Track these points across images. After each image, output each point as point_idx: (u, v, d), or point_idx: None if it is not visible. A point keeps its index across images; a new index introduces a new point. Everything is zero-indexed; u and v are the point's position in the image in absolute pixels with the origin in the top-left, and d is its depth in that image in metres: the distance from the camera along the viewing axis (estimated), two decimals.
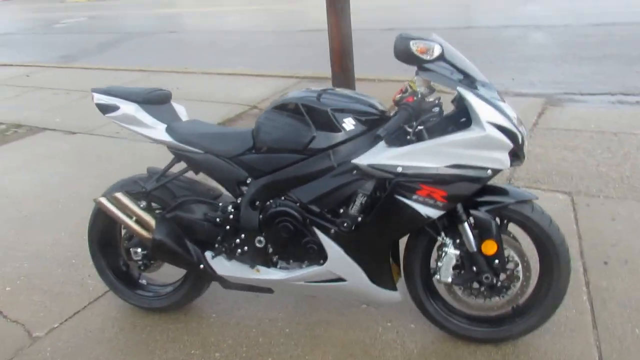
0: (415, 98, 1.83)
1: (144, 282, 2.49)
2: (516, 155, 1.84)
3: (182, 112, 2.38)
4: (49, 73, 8.10)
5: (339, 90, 2.06)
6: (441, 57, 1.77)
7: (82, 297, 2.58)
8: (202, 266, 2.18)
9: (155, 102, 2.23)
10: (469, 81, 1.81)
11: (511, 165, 1.84)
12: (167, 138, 2.13)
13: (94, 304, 2.54)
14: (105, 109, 2.18)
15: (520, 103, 4.97)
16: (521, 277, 2.00)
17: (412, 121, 1.81)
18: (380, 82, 6.24)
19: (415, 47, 1.72)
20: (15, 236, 3.23)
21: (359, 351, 2.14)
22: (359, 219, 1.89)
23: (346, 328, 2.27)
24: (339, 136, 1.91)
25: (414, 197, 1.82)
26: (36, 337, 2.36)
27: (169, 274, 2.45)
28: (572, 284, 2.25)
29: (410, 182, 1.81)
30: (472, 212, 1.91)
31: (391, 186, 1.83)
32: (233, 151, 2.09)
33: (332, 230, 1.94)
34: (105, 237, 2.41)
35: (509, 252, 1.99)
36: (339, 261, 1.98)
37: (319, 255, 2.01)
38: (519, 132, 1.81)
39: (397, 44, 1.75)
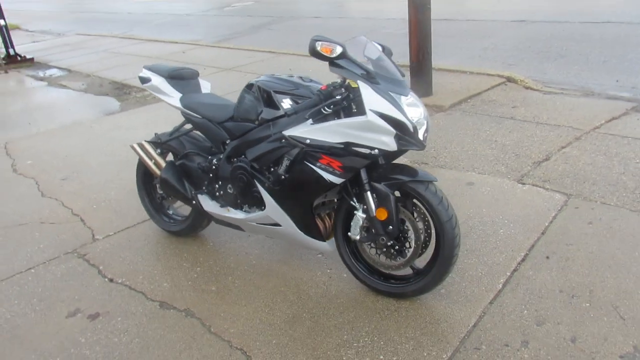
0: (327, 86, 2.31)
1: (170, 212, 3.34)
2: (407, 140, 2.22)
3: (206, 86, 3.14)
4: (200, 51, 9.60)
5: (290, 77, 2.59)
6: (342, 56, 2.22)
7: (134, 219, 3.53)
8: (194, 202, 2.94)
9: (179, 77, 3.01)
10: (370, 76, 2.24)
11: (401, 148, 2.23)
12: (177, 104, 2.91)
13: (139, 225, 3.46)
14: (143, 80, 3.03)
15: (600, 106, 4.84)
16: (413, 243, 2.38)
17: (321, 104, 2.28)
18: (453, 72, 6.39)
19: (319, 46, 2.21)
20: (115, 173, 4.35)
21: (292, 284, 2.72)
22: (283, 177, 2.46)
23: (295, 268, 2.85)
24: (278, 112, 2.47)
25: (317, 164, 2.33)
26: (96, 239, 3.36)
27: (187, 209, 3.25)
28: (500, 268, 2.56)
29: (314, 152, 2.32)
30: (373, 183, 2.35)
31: (302, 153, 2.36)
32: (220, 118, 2.79)
33: (266, 184, 2.54)
34: (145, 176, 3.30)
35: (407, 223, 2.38)
36: (273, 209, 2.57)
37: (262, 203, 2.62)
38: (408, 121, 2.20)
39: (309, 44, 2.25)
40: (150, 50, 10.17)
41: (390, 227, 2.36)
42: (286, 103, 2.47)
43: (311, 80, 2.61)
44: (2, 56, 10.07)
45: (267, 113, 2.51)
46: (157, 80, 2.98)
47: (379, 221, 2.35)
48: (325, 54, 2.21)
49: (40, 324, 2.60)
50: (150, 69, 3.07)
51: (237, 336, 2.39)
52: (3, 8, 9.87)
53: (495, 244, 2.89)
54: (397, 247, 2.42)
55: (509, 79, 5.94)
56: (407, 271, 2.51)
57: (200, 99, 2.91)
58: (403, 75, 2.41)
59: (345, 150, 2.26)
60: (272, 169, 2.51)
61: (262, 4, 16.91)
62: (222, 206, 2.85)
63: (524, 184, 3.54)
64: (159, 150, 3.07)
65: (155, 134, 3.15)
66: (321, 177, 2.35)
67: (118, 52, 10.27)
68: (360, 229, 2.43)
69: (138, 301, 2.70)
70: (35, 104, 7.22)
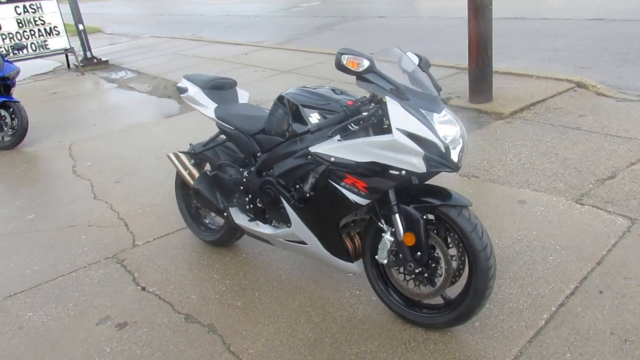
0: (354, 102, 2.19)
1: (207, 221, 3.33)
2: (438, 162, 2.05)
3: (243, 96, 3.10)
4: (262, 53, 9.70)
5: (321, 89, 2.47)
6: (370, 70, 2.09)
7: (174, 225, 3.56)
8: (225, 214, 2.90)
9: (215, 87, 2.99)
10: (399, 92, 2.09)
11: (431, 170, 2.06)
12: (211, 115, 2.88)
13: (178, 232, 3.49)
14: (180, 90, 3.03)
15: None
16: (443, 272, 2.20)
17: (346, 121, 2.16)
18: (517, 76, 6.00)
19: (345, 60, 2.08)
20: (163, 177, 4.43)
21: (318, 305, 2.61)
22: (308, 194, 2.35)
23: (324, 286, 2.75)
24: (305, 127, 2.38)
25: (342, 183, 2.21)
26: (136, 245, 3.42)
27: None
28: (545, 301, 2.34)
29: (339, 170, 2.21)
30: (402, 205, 2.19)
31: (326, 171, 2.25)
32: (252, 130, 2.73)
33: (291, 201, 2.45)
34: (183, 185, 3.31)
35: (437, 249, 2.21)
36: (298, 226, 2.48)
37: (288, 219, 2.53)
38: (439, 141, 2.03)
39: (335, 57, 2.13)
40: (215, 52, 10.40)
41: (419, 253, 2.20)
42: (314, 118, 2.36)
43: (342, 93, 2.48)
44: (80, 59, 10.67)
45: (295, 127, 2.41)
46: (193, 91, 2.97)
47: (406, 246, 2.20)
48: (351, 68, 2.09)
49: (72, 329, 2.66)
50: (188, 78, 3.07)
51: (256, 357, 2.32)
52: (89, 12, 10.47)
53: (542, 273, 2.64)
54: (426, 274, 2.25)
55: (579, 84, 5.50)
56: (438, 300, 2.34)
57: (234, 110, 2.87)
58: (440, 90, 2.24)
59: (371, 171, 2.13)
60: (298, 186, 2.41)
61: (329, 4, 16.90)
62: (251, 220, 2.79)
63: (582, 204, 3.23)
64: (192, 161, 3.07)
65: (190, 144, 3.15)
66: (346, 197, 2.22)
67: (185, 54, 10.59)
68: (388, 253, 2.28)
69: (165, 312, 2.70)
70: (103, 106, 7.57)
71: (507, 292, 2.53)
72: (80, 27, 10.34)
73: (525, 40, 8.02)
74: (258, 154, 2.70)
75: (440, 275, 2.22)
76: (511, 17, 9.70)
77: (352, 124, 2.17)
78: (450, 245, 2.23)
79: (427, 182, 2.31)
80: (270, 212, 2.66)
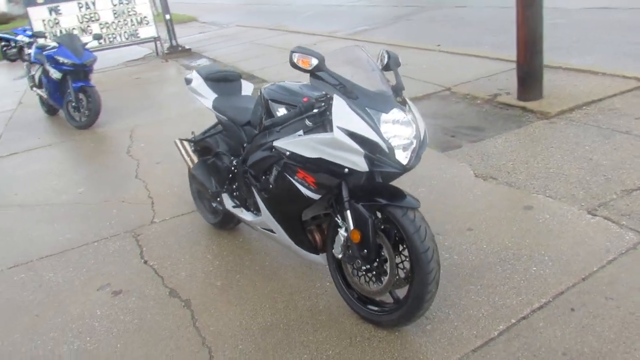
0: (309, 99, 2.24)
1: (214, 205, 3.54)
2: (382, 161, 2.06)
3: (247, 88, 3.24)
4: (332, 43, 9.78)
5: (290, 83, 2.53)
6: (319, 68, 2.12)
7: (190, 207, 3.79)
8: (219, 199, 3.08)
9: (217, 79, 3.15)
10: (346, 90, 2.11)
11: (374, 169, 2.07)
12: (209, 105, 3.06)
13: (191, 213, 3.72)
14: (187, 81, 3.25)
15: None
16: (389, 272, 2.21)
17: (296, 117, 2.21)
18: (581, 73, 5.56)
19: (296, 58, 2.14)
20: None
21: (287, 292, 2.72)
22: (271, 186, 2.45)
23: (299, 275, 2.85)
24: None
25: (295, 177, 2.28)
26: (154, 222, 3.72)
27: None
28: (506, 312, 2.32)
29: (292, 164, 2.28)
30: (352, 202, 2.22)
31: (282, 165, 2.33)
32: (241, 121, 2.87)
33: (259, 191, 2.56)
34: None
35: (384, 249, 2.22)
36: (266, 216, 2.59)
37: (259, 208, 2.65)
38: (382, 141, 2.04)
39: (289, 56, 2.19)
40: (288, 41, 10.66)
41: (366, 250, 2.22)
42: (281, 112, 2.44)
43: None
44: (167, 46, 11.44)
45: (264, 121, 2.51)
46: (197, 82, 3.16)
47: (353, 243, 2.23)
48: (302, 66, 2.14)
49: (77, 292, 2.99)
50: (198, 71, 3.26)
51: (213, 335, 2.48)
52: (191, 2, 11.19)
53: (517, 284, 2.53)
54: (373, 272, 2.26)
55: None
56: (390, 298, 2.34)
57: (230, 102, 3.02)
58: (401, 90, 2.24)
59: (318, 166, 2.18)
60: (264, 177, 2.52)
61: None
62: (236, 206, 2.95)
63: (594, 215, 3.01)
64: (192, 148, 3.27)
65: (192, 132, 3.35)
66: (299, 190, 2.29)
67: (260, 43, 10.97)
68: (342, 248, 2.32)
69: (155, 285, 2.94)
70: (172, 92, 8.11)
71: (473, 298, 2.46)
72: (167, 17, 11.07)
73: (602, 33, 7.38)
74: (245, 144, 2.84)
75: (386, 275, 2.23)
76: (600, 7, 8.94)
77: (308, 120, 2.22)
78: (402, 247, 2.23)
79: (392, 182, 2.32)
80: (248, 200, 2.79)
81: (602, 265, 2.57)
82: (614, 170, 3.51)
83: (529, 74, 4.94)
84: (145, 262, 3.20)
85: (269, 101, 2.47)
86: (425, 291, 2.10)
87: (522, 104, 5.00)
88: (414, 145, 2.13)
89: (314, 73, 2.17)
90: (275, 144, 2.36)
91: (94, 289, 3.00)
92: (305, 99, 2.25)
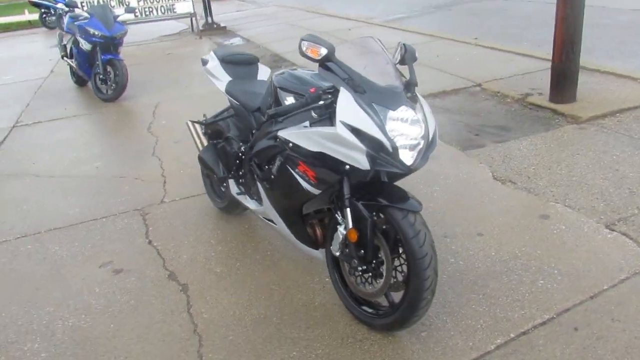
0: (316, 90, 2.16)
1: (222, 189, 3.51)
2: (385, 160, 1.97)
3: (263, 73, 3.18)
4: (365, 29, 9.61)
5: (303, 72, 2.45)
6: (328, 59, 2.04)
7: (201, 189, 3.75)
8: (225, 184, 3.05)
9: (234, 62, 3.09)
10: (354, 83, 2.02)
11: (377, 168, 1.99)
12: (222, 88, 3.00)
13: (201, 196, 3.70)
14: (203, 62, 3.20)
15: None
16: (384, 275, 2.13)
17: (302, 108, 2.13)
18: (619, 78, 5.30)
19: (305, 47, 2.06)
20: None
21: (285, 285, 2.67)
22: (272, 176, 2.39)
23: (299, 267, 2.80)
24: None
25: (296, 170, 2.22)
26: (164, 201, 3.72)
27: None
28: (506, 326, 2.25)
29: (294, 157, 2.21)
30: (353, 201, 2.15)
31: (285, 156, 2.26)
32: (252, 107, 2.81)
33: (261, 181, 2.50)
34: None
35: (381, 251, 2.15)
36: (267, 206, 2.54)
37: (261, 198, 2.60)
38: (386, 139, 1.95)
39: (299, 44, 2.11)
40: (322, 24, 10.53)
41: (363, 251, 2.15)
42: (289, 101, 2.37)
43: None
44: (202, 23, 11.44)
45: (269, 110, 2.44)
46: (212, 64, 3.11)
47: (350, 242, 2.16)
48: (311, 56, 2.06)
49: (79, 267, 3.02)
50: (215, 52, 3.21)
51: (205, 323, 2.46)
52: None
53: (521, 296, 2.42)
54: (370, 273, 2.19)
55: None
56: (385, 301, 2.27)
57: (243, 86, 2.96)
58: (414, 86, 2.13)
59: (319, 161, 2.11)
60: (267, 167, 2.46)
61: None
62: (240, 193, 2.91)
63: (612, 230, 2.86)
64: (203, 130, 3.23)
65: (204, 115, 3.31)
66: (300, 184, 2.23)
67: (295, 25, 10.86)
68: (341, 246, 2.26)
69: (156, 266, 2.94)
70: (201, 69, 8.09)
71: (473, 308, 2.37)
72: None
73: None
74: (254, 131, 2.78)
75: (382, 277, 2.16)
76: None
77: (314, 112, 2.14)
78: (401, 250, 2.14)
79: (395, 182, 2.23)
80: (252, 188, 2.75)
81: (614, 284, 2.44)
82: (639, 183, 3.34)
83: (563, 75, 4.73)
84: (150, 242, 3.20)
85: (278, 89, 2.41)
86: (420, 298, 2.02)
87: (553, 106, 4.80)
88: (420, 146, 2.03)
89: (323, 63, 2.08)
90: (279, 133, 2.29)
91: (96, 265, 3.02)
92: (312, 90, 2.17)
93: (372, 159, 1.96)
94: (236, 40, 10.14)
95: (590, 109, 4.62)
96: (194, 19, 11.27)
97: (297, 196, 2.32)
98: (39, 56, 10.20)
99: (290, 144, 2.21)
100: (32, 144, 5.18)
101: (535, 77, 5.65)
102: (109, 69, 6.42)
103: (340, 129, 1.97)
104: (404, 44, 2.26)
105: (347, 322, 2.37)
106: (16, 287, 2.88)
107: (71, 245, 3.26)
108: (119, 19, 6.59)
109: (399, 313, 2.12)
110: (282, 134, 2.26)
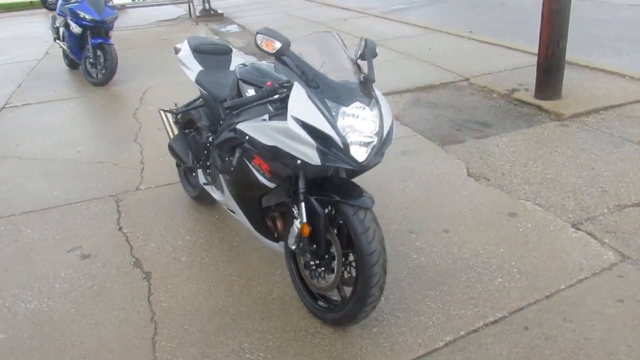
0: (272, 84, 2.15)
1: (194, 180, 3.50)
2: (336, 156, 1.97)
3: (236, 62, 3.16)
4: (361, 20, 9.56)
5: (266, 64, 2.44)
6: (282, 53, 2.03)
7: (177, 178, 3.76)
8: (194, 174, 3.05)
9: (205, 52, 3.08)
10: (307, 78, 2.01)
11: (327, 164, 1.98)
12: (192, 77, 3.00)
13: (176, 184, 3.70)
14: (176, 50, 3.19)
15: None
16: (335, 270, 2.14)
17: (256, 102, 2.13)
18: (607, 75, 5.27)
19: (259, 40, 2.05)
20: None
21: (246, 276, 2.69)
22: (232, 168, 2.40)
23: (263, 260, 2.81)
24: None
25: (252, 163, 2.22)
26: (139, 189, 3.73)
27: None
28: (458, 324, 2.26)
29: (251, 150, 2.21)
30: (307, 195, 2.15)
31: (242, 149, 2.27)
32: (220, 98, 2.81)
33: (221, 172, 2.51)
34: None
35: (332, 246, 2.15)
36: (228, 197, 2.55)
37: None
38: (336, 135, 1.95)
39: (255, 36, 2.10)
40: (319, 14, 10.47)
41: (315, 246, 2.16)
42: (250, 93, 2.36)
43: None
44: (200, 9, 11.38)
45: (226, 102, 2.44)
46: (184, 53, 3.10)
47: (303, 236, 2.17)
48: (266, 49, 2.05)
49: (48, 251, 3.04)
50: (188, 40, 3.20)
51: (163, 311, 2.48)
52: None
53: (477, 294, 2.43)
54: (322, 268, 2.20)
55: None
56: (338, 296, 2.28)
57: (214, 76, 2.95)
58: (371, 82, 2.12)
59: (273, 154, 2.11)
60: (227, 158, 2.46)
61: None
62: (207, 183, 2.92)
63: (578, 229, 2.86)
64: (173, 119, 3.23)
65: (175, 104, 3.31)
66: (255, 177, 2.24)
67: (292, 14, 10.80)
68: (296, 239, 2.26)
69: (122, 253, 2.96)
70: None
71: (428, 305, 2.38)
72: None
73: None
74: (221, 122, 2.78)
75: (333, 272, 2.17)
76: None
77: (270, 106, 2.14)
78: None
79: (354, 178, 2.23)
80: (217, 179, 2.75)
81: (571, 284, 2.45)
82: (613, 182, 3.33)
83: (549, 71, 4.70)
84: (120, 228, 3.22)
85: (240, 81, 2.40)
86: (368, 294, 2.03)
87: (537, 102, 4.78)
88: (374, 143, 2.03)
89: (279, 57, 2.08)
90: (238, 126, 2.29)
91: (65, 250, 3.04)
92: (269, 83, 2.16)
93: (322, 154, 1.96)
94: (232, 28, 10.10)
95: (575, 106, 4.60)
96: (191, 4, 11.21)
97: (254, 189, 2.32)
98: (35, 37, 10.16)
99: (247, 137, 2.21)
100: (18, 126, 5.20)
101: (524, 73, 5.62)
102: (99, 53, 6.41)
103: (291, 124, 1.97)
104: (365, 40, 2.24)
105: (302, 316, 2.38)
106: None
107: (43, 228, 3.28)
108: (113, 2, 6.55)
109: (348, 308, 2.13)
110: (241, 126, 2.26)
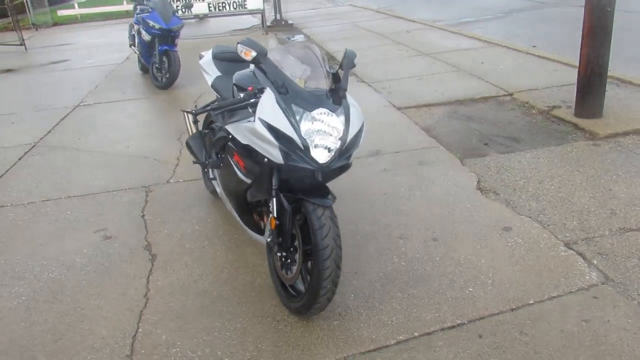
0: (253, 88, 2.37)
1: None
2: (298, 156, 2.15)
3: None
4: (424, 33, 9.58)
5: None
6: (257, 61, 2.24)
7: (200, 175, 4.09)
8: (206, 170, 3.34)
9: (224, 59, 3.37)
10: (278, 84, 2.21)
11: (290, 163, 2.17)
12: (209, 82, 3.29)
13: (199, 180, 4.03)
14: (200, 57, 3.50)
15: None
16: (297, 262, 2.32)
17: (236, 105, 2.35)
18: (636, 87, 4.98)
19: (239, 49, 2.28)
20: None
21: (236, 265, 2.92)
22: (221, 164, 2.64)
23: (257, 252, 3.02)
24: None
25: (233, 160, 2.45)
26: (169, 182, 4.10)
27: None
28: (415, 326, 2.34)
29: (232, 148, 2.45)
30: (277, 191, 2.35)
31: (228, 146, 2.50)
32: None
33: (215, 168, 2.76)
34: None
35: (295, 241, 2.33)
36: (221, 190, 2.80)
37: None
38: (298, 137, 2.13)
39: (236, 46, 2.33)
40: (384, 25, 10.61)
41: (280, 239, 2.34)
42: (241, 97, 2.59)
43: None
44: (271, 19, 11.91)
45: (213, 104, 2.69)
46: (205, 60, 3.41)
47: (271, 229, 2.36)
48: (245, 57, 2.28)
49: (79, 231, 3.45)
50: (214, 48, 3.50)
51: (157, 289, 2.76)
52: None
53: (444, 300, 2.49)
54: (289, 260, 2.38)
55: None
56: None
57: (227, 82, 3.20)
58: (342, 90, 2.27)
59: (247, 152, 2.33)
60: (219, 155, 2.71)
61: None
62: (214, 179, 3.19)
63: (570, 248, 2.82)
64: (192, 119, 3.53)
65: (195, 105, 3.61)
66: (236, 173, 2.46)
67: (358, 26, 11.02)
68: (269, 232, 2.46)
69: (138, 237, 3.30)
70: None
71: (393, 305, 2.48)
72: None
73: None
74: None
75: (296, 264, 2.34)
76: None
77: (250, 108, 2.36)
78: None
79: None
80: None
81: (541, 300, 2.44)
82: (626, 205, 3.21)
83: (588, 89, 4.56)
84: (143, 215, 3.58)
85: (234, 85, 2.64)
86: (320, 286, 2.18)
87: (575, 120, 4.64)
88: (337, 146, 2.18)
89: (258, 65, 2.30)
90: (226, 126, 2.54)
91: (92, 230, 3.43)
92: (250, 88, 2.39)
93: (285, 154, 2.15)
94: (298, 37, 10.48)
95: (613, 125, 4.43)
96: (263, 14, 11.76)
97: (236, 184, 2.55)
98: (122, 44, 11.11)
99: (230, 136, 2.45)
100: (86, 122, 5.81)
101: (573, 90, 5.42)
102: (164, 59, 6.98)
103: (257, 125, 2.17)
104: (346, 50, 2.41)
105: (273, 304, 2.57)
106: (28, 241, 3.34)
107: (80, 211, 3.71)
108: (192, 12, 7.06)
109: (305, 299, 2.29)
110: (227, 126, 2.50)
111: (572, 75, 5.89)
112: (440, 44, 8.31)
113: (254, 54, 2.23)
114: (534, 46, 7.84)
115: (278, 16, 11.85)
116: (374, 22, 11.25)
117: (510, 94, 5.60)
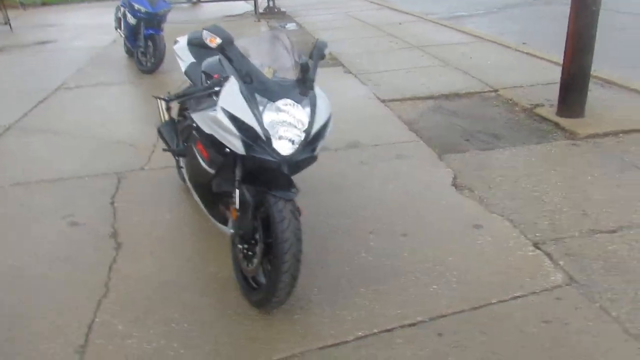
0: (219, 76, 2.32)
1: None
2: (260, 147, 2.11)
3: None
4: (415, 25, 9.51)
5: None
6: (222, 48, 2.19)
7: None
8: (177, 158, 3.29)
9: (198, 45, 3.25)
10: (242, 73, 2.16)
11: (251, 154, 2.12)
12: (183, 69, 3.22)
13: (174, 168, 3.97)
14: (175, 42, 3.43)
15: None
16: (258, 254, 2.28)
17: (200, 92, 2.30)
18: (620, 88, 4.97)
19: (205, 36, 2.22)
20: None
21: (206, 255, 2.88)
22: (185, 153, 2.59)
23: (225, 242, 2.97)
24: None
25: (196, 149, 2.40)
26: (143, 169, 4.03)
27: None
28: (358, 326, 2.28)
29: (195, 136, 2.40)
30: (240, 183, 2.30)
31: (192, 135, 2.45)
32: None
33: (182, 155, 2.71)
34: None
35: (257, 233, 2.29)
36: (187, 178, 2.74)
37: None
38: (259, 128, 2.09)
39: (202, 32, 2.27)
40: (378, 17, 10.52)
41: (242, 230, 2.30)
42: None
43: None
44: (264, 7, 11.79)
45: (178, 92, 2.63)
46: (179, 45, 3.34)
47: (233, 220, 2.32)
48: (210, 44, 2.22)
49: (46, 216, 3.38)
50: (189, 34, 3.43)
51: (119, 278, 2.72)
52: None
53: (408, 297, 2.47)
54: (250, 253, 2.34)
55: None
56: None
57: (199, 68, 3.16)
58: (310, 82, 2.23)
59: (210, 142, 2.28)
60: (185, 144, 2.66)
61: None
62: (183, 167, 3.13)
63: (538, 248, 2.81)
64: (165, 106, 3.47)
65: (168, 92, 3.54)
66: (199, 162, 2.41)
67: (351, 15, 10.93)
68: (233, 224, 2.42)
69: (106, 224, 3.24)
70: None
71: (357, 301, 2.46)
72: None
73: None
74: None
75: (257, 257, 2.30)
76: None
77: (215, 96, 2.31)
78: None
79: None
80: None
81: (504, 299, 2.42)
82: (599, 207, 3.20)
83: (571, 89, 4.54)
84: (112, 202, 3.52)
85: (202, 72, 2.58)
86: (279, 280, 2.15)
87: (557, 119, 4.62)
88: (300, 138, 2.14)
89: (224, 53, 2.24)
90: (191, 114, 2.48)
91: (59, 216, 3.37)
92: (215, 76, 2.34)
93: (247, 145, 2.10)
94: (290, 26, 10.37)
95: (594, 125, 4.41)
96: (256, 1, 11.62)
97: (200, 173, 2.50)
98: (109, 25, 10.93)
99: (195, 125, 2.39)
100: (65, 105, 5.71)
101: (557, 89, 5.40)
102: (149, 43, 6.87)
103: (219, 114, 2.13)
104: (316, 41, 2.36)
105: (236, 296, 2.53)
106: None
107: (49, 195, 3.65)
108: None
109: (264, 292, 2.26)
110: (192, 114, 2.45)
111: (558, 74, 5.86)
112: (431, 37, 8.25)
113: (219, 40, 2.18)
114: (524, 43, 7.80)
115: (271, 3, 11.71)
116: (367, 13, 11.16)
117: (496, 91, 5.56)
